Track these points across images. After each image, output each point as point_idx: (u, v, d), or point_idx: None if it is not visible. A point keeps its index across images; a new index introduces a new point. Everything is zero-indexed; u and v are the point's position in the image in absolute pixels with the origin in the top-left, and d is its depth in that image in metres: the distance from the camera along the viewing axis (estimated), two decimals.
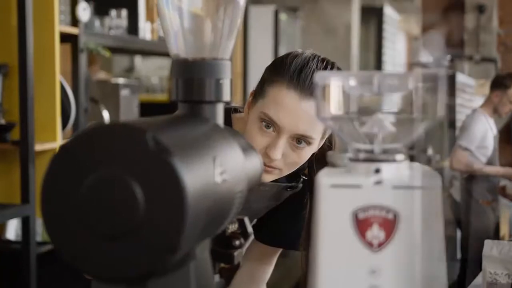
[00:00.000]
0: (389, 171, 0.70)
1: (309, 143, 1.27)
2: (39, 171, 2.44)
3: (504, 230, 4.64)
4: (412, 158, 0.73)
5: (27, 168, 2.36)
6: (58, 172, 0.64)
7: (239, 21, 0.85)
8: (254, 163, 0.86)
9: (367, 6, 6.57)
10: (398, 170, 0.71)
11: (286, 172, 1.32)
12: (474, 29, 9.56)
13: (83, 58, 2.72)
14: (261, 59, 4.40)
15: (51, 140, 2.54)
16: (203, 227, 0.67)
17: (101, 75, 3.76)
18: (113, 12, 3.04)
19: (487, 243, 1.99)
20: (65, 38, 2.65)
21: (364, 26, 7.05)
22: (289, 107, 1.24)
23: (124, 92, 2.88)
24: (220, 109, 0.83)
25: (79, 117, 2.70)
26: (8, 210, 2.22)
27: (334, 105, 0.74)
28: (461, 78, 7.30)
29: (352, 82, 0.72)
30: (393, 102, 0.75)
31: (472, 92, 8.01)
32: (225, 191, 0.71)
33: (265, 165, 1.27)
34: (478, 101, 8.52)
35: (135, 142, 0.62)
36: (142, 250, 0.62)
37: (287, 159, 1.29)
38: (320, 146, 1.36)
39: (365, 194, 0.69)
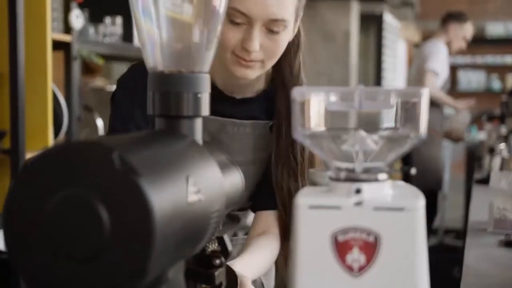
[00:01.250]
0: (370, 191, 0.67)
1: (284, 27, 1.24)
2: None
3: None
4: None
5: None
6: (22, 190, 0.61)
7: (219, 31, 0.83)
8: (233, 179, 0.83)
9: (366, 13, 6.55)
10: (380, 190, 0.68)
11: (269, 64, 1.28)
12: None
13: (76, 66, 2.69)
14: None
15: (43, 148, 2.51)
16: (174, 249, 0.64)
17: (99, 82, 3.73)
18: (108, 20, 3.01)
19: (494, 174, 1.86)
20: (58, 45, 2.62)
21: (364, 33, 7.02)
22: None
23: None
24: (198, 124, 0.80)
25: (72, 125, 2.67)
26: None
27: (313, 121, 0.71)
28: (388, 18, 7.28)
29: (332, 98, 0.69)
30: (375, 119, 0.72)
31: (395, 33, 8.02)
32: (199, 211, 0.68)
33: (245, 60, 1.25)
34: (400, 43, 8.54)
35: (101, 161, 0.59)
36: (108, 274, 0.59)
37: (266, 49, 1.25)
38: (295, 33, 1.33)
39: (345, 216, 0.66)
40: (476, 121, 9.98)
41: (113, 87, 3.15)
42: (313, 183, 0.75)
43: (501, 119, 4.46)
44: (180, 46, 0.80)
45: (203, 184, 0.69)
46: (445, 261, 4.23)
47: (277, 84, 1.39)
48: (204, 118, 1.28)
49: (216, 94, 1.35)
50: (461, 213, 5.41)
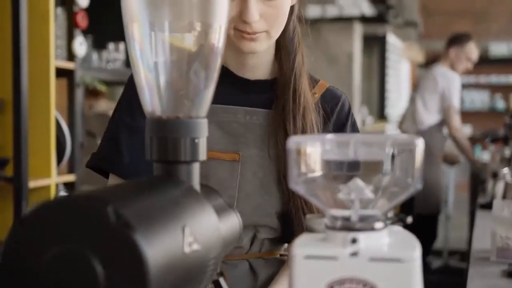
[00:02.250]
0: (366, 240, 0.67)
1: None
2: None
3: None
4: None
5: (21, 206, 2.33)
6: (17, 245, 0.61)
7: (216, 75, 0.83)
8: (230, 223, 0.83)
9: (369, 35, 6.57)
10: (376, 239, 0.68)
11: (275, 33, 1.21)
12: None
13: (79, 93, 2.70)
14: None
15: (46, 176, 2.51)
16: None
17: (103, 104, 3.74)
18: (111, 46, 3.03)
19: (497, 203, 1.84)
20: (62, 72, 2.64)
21: (367, 54, 7.04)
22: None
23: None
24: (196, 169, 0.80)
25: (74, 152, 2.68)
26: (0, 248, 2.19)
27: (309, 170, 0.71)
28: (391, 39, 7.28)
29: (328, 147, 0.69)
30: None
31: (399, 53, 8.02)
32: (195, 261, 0.68)
33: (248, 33, 1.18)
34: (404, 63, 8.55)
35: (96, 215, 0.59)
36: None
37: (267, 17, 1.18)
38: None
39: (341, 266, 0.66)
40: (480, 141, 9.99)
41: None
42: (310, 230, 0.75)
43: (505, 140, 4.45)
44: (178, 92, 0.81)
45: (199, 233, 0.69)
46: (450, 284, 4.21)
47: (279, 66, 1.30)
48: (215, 107, 1.26)
49: (228, 76, 1.29)
50: (466, 234, 5.38)
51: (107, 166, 1.27)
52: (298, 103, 1.24)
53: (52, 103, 2.50)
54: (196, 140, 0.79)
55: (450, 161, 4.85)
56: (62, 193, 2.77)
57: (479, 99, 10.28)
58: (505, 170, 3.12)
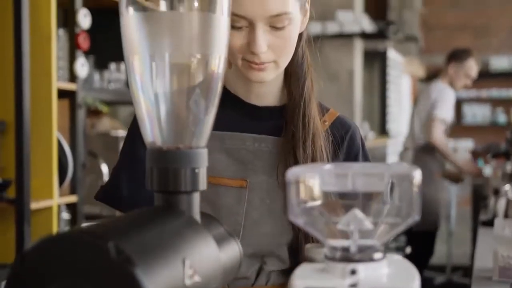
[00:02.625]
0: (366, 271, 0.68)
1: (288, 20, 1.16)
2: (35, 230, 2.41)
3: None
4: None
5: (23, 227, 2.34)
6: (18, 281, 0.62)
7: (216, 105, 0.84)
8: (231, 253, 0.83)
9: (370, 51, 6.59)
10: (375, 270, 0.68)
11: (283, 63, 1.20)
12: (397, 6, 9.62)
13: (81, 114, 2.72)
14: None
15: (48, 197, 2.52)
16: None
17: (105, 122, 3.76)
18: (113, 66, 3.05)
19: (498, 222, 1.84)
20: (63, 94, 2.65)
21: (368, 70, 7.06)
22: None
23: None
24: (196, 198, 0.81)
25: (76, 172, 2.68)
26: (3, 270, 2.19)
27: (307, 200, 0.71)
28: (391, 54, 7.28)
29: (326, 178, 0.70)
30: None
31: (400, 68, 8.03)
32: None
33: (256, 63, 1.17)
34: (405, 78, 8.56)
35: (97, 251, 0.60)
36: None
37: (275, 48, 1.17)
38: (306, 22, 1.25)
39: None
40: (483, 155, 9.98)
41: (118, 132, 3.18)
42: (310, 259, 0.75)
43: (507, 155, 4.44)
44: (178, 122, 0.81)
45: (199, 264, 0.70)
46: None
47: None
48: (223, 134, 1.26)
49: (237, 103, 1.29)
50: (469, 249, 5.37)
51: (108, 200, 1.29)
52: (308, 128, 1.23)
53: (54, 125, 2.51)
54: (197, 170, 0.80)
55: (453, 179, 4.83)
56: (65, 214, 2.77)
57: (481, 113, 10.29)
58: (507, 186, 3.11)
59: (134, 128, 1.28)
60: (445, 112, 4.40)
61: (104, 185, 1.29)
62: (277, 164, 1.24)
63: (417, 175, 0.68)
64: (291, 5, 1.15)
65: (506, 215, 2.78)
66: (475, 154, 10.06)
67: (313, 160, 1.21)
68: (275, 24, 1.15)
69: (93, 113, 3.57)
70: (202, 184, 0.81)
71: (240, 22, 1.14)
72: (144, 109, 0.81)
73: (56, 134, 2.53)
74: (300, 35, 1.26)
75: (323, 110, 1.32)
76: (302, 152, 1.21)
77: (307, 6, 1.24)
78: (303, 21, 1.23)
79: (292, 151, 1.23)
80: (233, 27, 1.16)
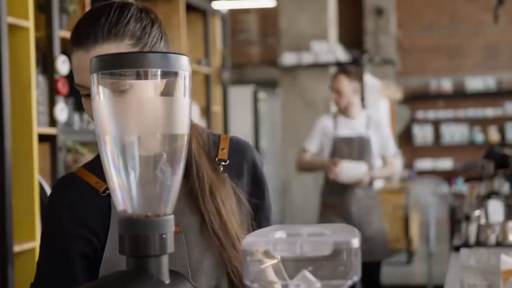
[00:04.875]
0: None
1: (129, 86, 1.15)
2: (18, 272, 2.47)
3: None
4: None
5: (6, 271, 2.40)
6: None
7: (180, 175, 0.92)
8: None
9: None
10: None
11: None
12: (373, 31, 9.82)
13: (61, 157, 2.79)
14: (241, 137, 4.49)
15: (30, 240, 2.58)
16: None
17: (88, 158, 3.82)
18: None
19: (463, 252, 1.91)
20: (44, 138, 2.73)
21: None
22: (77, 66, 1.19)
23: None
24: (164, 260, 0.90)
25: None
26: None
27: (262, 264, 0.80)
28: (368, 79, 7.44)
29: (277, 247, 0.79)
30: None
31: (377, 92, 8.17)
32: None
33: None
34: (383, 101, 8.71)
35: None
36: None
37: None
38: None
39: None
40: (462, 174, 10.14)
41: None
42: None
43: (480, 178, 4.54)
44: (146, 192, 0.90)
45: None
46: None
47: None
48: None
49: None
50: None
51: None
52: (202, 180, 1.28)
53: (35, 168, 2.58)
54: (164, 236, 0.89)
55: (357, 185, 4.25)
56: None
57: (459, 133, 10.47)
58: (477, 212, 3.20)
59: (52, 212, 1.30)
60: (307, 143, 4.18)
61: (33, 285, 1.28)
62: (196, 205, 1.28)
63: (355, 243, 0.77)
64: None
65: (477, 241, 2.86)
66: (455, 174, 10.23)
67: (218, 209, 1.26)
68: None
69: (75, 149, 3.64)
70: (170, 247, 0.90)
71: (85, 90, 1.20)
72: (116, 182, 0.90)
73: (37, 177, 2.60)
74: None
75: (216, 137, 1.35)
76: (190, 191, 1.27)
77: None
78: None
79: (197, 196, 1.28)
80: (86, 95, 1.21)
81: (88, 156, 3.68)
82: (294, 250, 0.79)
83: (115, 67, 0.88)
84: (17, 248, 2.50)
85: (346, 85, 3.96)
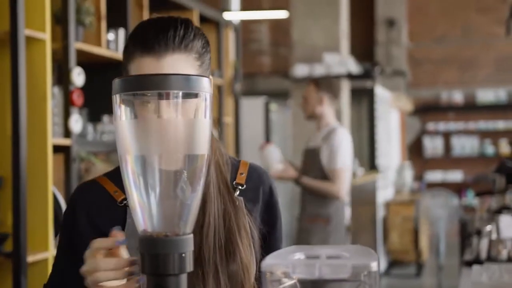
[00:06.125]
0: None
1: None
2: (31, 282, 2.49)
3: None
4: None
5: (20, 281, 2.42)
6: None
7: (200, 194, 0.94)
8: None
9: (357, 89, 6.73)
10: None
11: None
12: (384, 42, 9.80)
13: (75, 167, 2.82)
14: (253, 149, 4.50)
15: (44, 250, 2.60)
16: None
17: (99, 167, 3.84)
18: (106, 118, 3.16)
19: (476, 268, 1.91)
20: (58, 149, 2.75)
21: (356, 107, 7.19)
22: (147, 72, 1.18)
23: None
24: (183, 279, 0.91)
25: None
26: None
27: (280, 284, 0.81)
28: (379, 91, 7.43)
29: (296, 269, 0.80)
30: None
31: (388, 103, 8.14)
32: None
33: None
34: (393, 112, 8.70)
35: None
36: None
37: None
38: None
39: None
40: (472, 186, 10.11)
41: None
42: None
43: (491, 193, 4.52)
44: (166, 212, 0.92)
45: None
46: None
47: None
48: None
49: None
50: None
51: None
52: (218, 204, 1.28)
53: (50, 179, 2.61)
54: (183, 255, 0.90)
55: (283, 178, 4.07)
56: None
57: (469, 145, 10.44)
58: (489, 227, 3.19)
59: (70, 214, 1.32)
60: None
61: (47, 283, 1.31)
62: None
63: (375, 265, 0.78)
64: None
65: (488, 257, 2.86)
66: (465, 186, 10.19)
67: (201, 227, 1.25)
68: None
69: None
70: (189, 266, 0.91)
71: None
72: (136, 201, 0.92)
73: (51, 188, 2.62)
74: None
75: (236, 162, 1.37)
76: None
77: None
78: None
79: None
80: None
81: (99, 166, 3.70)
82: (313, 273, 0.80)
83: (138, 89, 0.89)
84: (30, 258, 2.52)
85: (312, 93, 3.92)
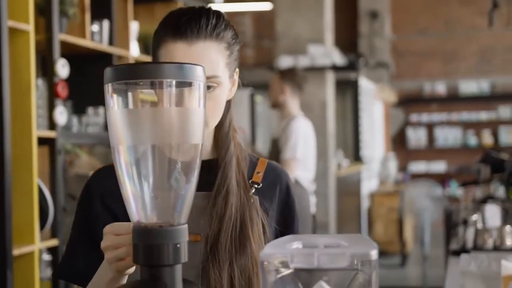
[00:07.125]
0: None
1: (218, 84, 1.23)
2: (17, 275, 2.46)
3: None
4: None
5: (5, 275, 2.39)
6: None
7: (194, 184, 0.93)
8: None
9: (342, 80, 6.74)
10: None
11: (211, 123, 1.25)
12: (367, 34, 9.85)
13: (60, 160, 2.79)
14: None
15: (29, 243, 2.58)
16: None
17: (83, 160, 3.80)
18: (90, 110, 3.13)
19: (464, 257, 1.91)
20: (43, 141, 2.72)
21: (340, 99, 7.20)
22: (178, 57, 1.20)
23: None
24: (178, 270, 0.90)
25: (57, 217, 2.75)
26: None
27: (279, 273, 0.80)
28: (363, 82, 7.48)
29: (294, 259, 0.79)
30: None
31: (372, 95, 8.19)
32: None
33: None
34: (377, 104, 8.75)
35: None
36: None
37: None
38: (234, 91, 1.31)
39: None
40: (455, 177, 10.18)
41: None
42: None
43: (476, 182, 4.55)
44: (160, 203, 0.90)
45: None
46: None
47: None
48: None
49: None
50: (443, 271, 5.48)
51: (66, 277, 1.32)
52: (222, 187, 1.27)
53: (35, 172, 2.58)
54: (178, 245, 0.89)
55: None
56: (46, 256, 2.83)
57: (452, 136, 10.51)
58: (475, 217, 3.21)
59: (86, 196, 1.31)
60: None
61: (60, 263, 1.31)
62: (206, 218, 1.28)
63: (374, 253, 0.78)
64: (221, 70, 1.24)
65: (474, 246, 2.87)
66: (448, 176, 10.26)
67: (222, 216, 1.25)
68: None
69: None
70: (184, 256, 0.90)
71: None
72: (130, 191, 0.90)
73: (36, 180, 2.60)
74: (228, 103, 1.33)
75: (255, 159, 1.37)
76: (211, 207, 1.26)
77: (236, 77, 1.33)
78: (231, 90, 1.32)
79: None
80: None
81: (84, 159, 3.67)
82: (312, 262, 0.79)
83: (131, 77, 0.88)
84: (16, 251, 2.49)
85: (275, 83, 4.02)
